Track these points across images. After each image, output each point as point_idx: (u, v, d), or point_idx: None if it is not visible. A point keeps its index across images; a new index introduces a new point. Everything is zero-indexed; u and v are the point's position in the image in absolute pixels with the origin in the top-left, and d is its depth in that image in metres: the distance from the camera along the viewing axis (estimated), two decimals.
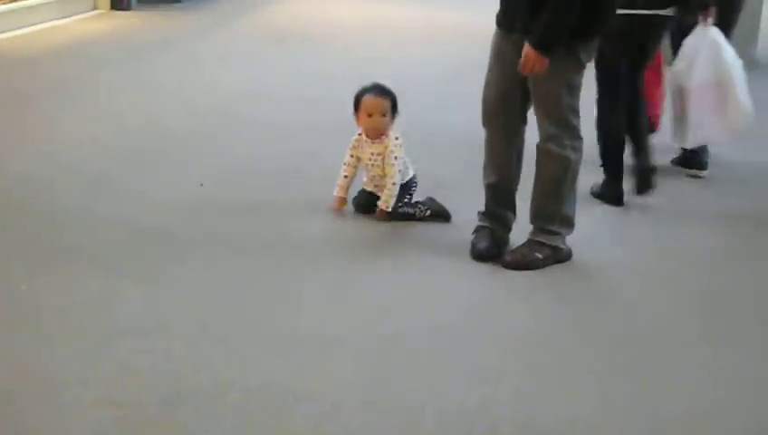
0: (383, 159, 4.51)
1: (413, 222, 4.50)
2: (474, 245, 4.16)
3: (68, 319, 3.42)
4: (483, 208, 4.25)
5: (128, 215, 4.45)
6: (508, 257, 4.07)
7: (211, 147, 5.67)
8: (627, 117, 4.84)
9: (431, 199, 4.62)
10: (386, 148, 4.50)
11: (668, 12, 4.78)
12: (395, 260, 4.13)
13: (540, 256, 4.07)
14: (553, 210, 4.08)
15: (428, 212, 4.54)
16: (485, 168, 4.20)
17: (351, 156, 4.60)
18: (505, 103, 4.05)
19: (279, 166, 5.33)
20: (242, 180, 5.04)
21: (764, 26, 9.35)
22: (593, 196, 4.88)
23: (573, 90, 3.96)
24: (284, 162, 5.41)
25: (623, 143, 4.87)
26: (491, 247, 4.13)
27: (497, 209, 4.21)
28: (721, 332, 3.61)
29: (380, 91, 4.56)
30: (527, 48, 3.81)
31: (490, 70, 4.09)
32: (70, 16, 9.71)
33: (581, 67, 3.96)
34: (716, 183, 5.38)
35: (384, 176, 4.52)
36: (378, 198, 4.54)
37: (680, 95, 5.06)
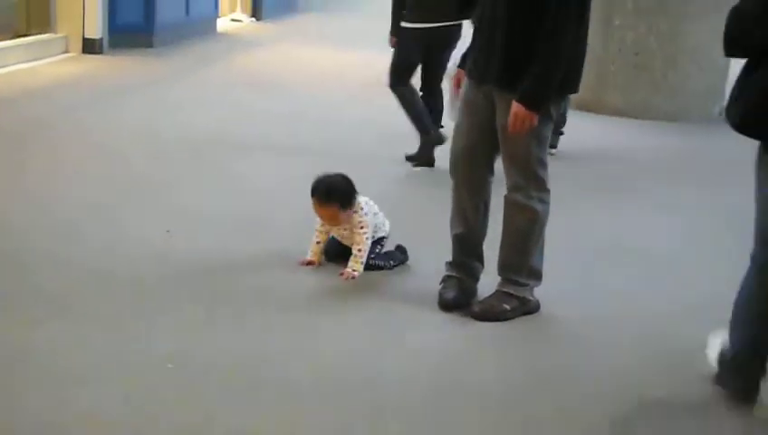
0: (351, 230, 4.49)
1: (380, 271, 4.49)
2: (441, 295, 4.14)
3: (27, 364, 3.35)
4: (450, 259, 4.24)
5: (92, 259, 4.40)
6: (476, 308, 4.06)
7: (178, 192, 5.64)
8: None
9: (402, 251, 4.62)
10: (351, 224, 4.47)
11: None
12: (361, 310, 4.09)
13: (508, 307, 4.06)
14: (521, 262, 4.08)
15: (397, 266, 4.56)
16: (452, 219, 4.20)
17: (321, 225, 4.55)
18: (473, 154, 4.05)
19: (248, 213, 5.31)
20: (209, 227, 5.01)
21: (732, 81, 9.49)
22: None
23: (542, 142, 3.98)
24: (254, 209, 5.39)
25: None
26: (458, 297, 4.12)
27: (464, 260, 4.21)
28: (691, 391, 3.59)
29: (325, 196, 4.43)
30: (516, 106, 3.78)
31: (458, 121, 4.10)
32: (41, 59, 9.70)
33: (551, 121, 3.97)
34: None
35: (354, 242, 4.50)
36: (348, 249, 4.51)
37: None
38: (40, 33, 10.09)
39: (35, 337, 3.56)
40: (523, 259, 4.07)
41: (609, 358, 3.79)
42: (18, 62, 9.31)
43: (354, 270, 4.40)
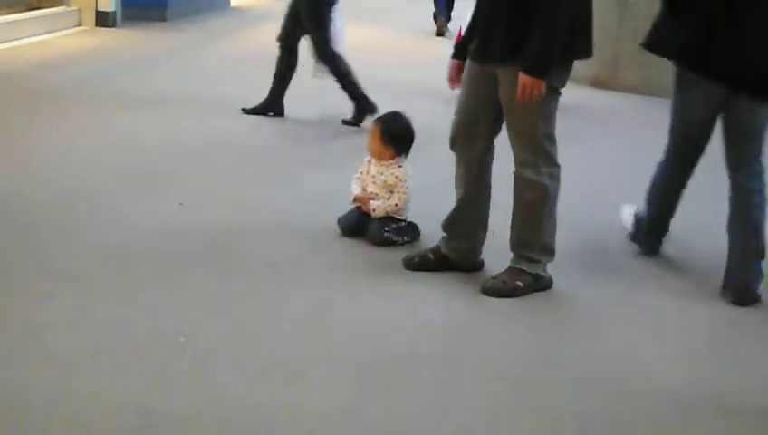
0: (384, 182, 4.55)
1: (392, 247, 4.48)
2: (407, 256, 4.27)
3: (39, 339, 3.36)
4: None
5: (104, 234, 4.40)
6: (488, 284, 4.05)
7: (193, 165, 5.63)
8: None
9: (413, 228, 4.62)
10: (392, 174, 4.56)
11: None
12: (374, 285, 4.09)
13: (520, 283, 4.05)
14: (533, 238, 4.07)
15: (409, 242, 4.56)
16: (455, 186, 4.20)
17: (362, 173, 4.66)
18: (472, 129, 4.03)
19: (261, 188, 5.30)
20: (222, 202, 5.00)
21: None
22: None
23: (549, 117, 3.95)
24: (267, 185, 5.37)
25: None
26: (421, 262, 4.21)
27: (459, 223, 4.19)
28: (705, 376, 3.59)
29: (388, 136, 4.59)
30: (522, 77, 3.76)
31: (461, 96, 4.10)
32: (54, 32, 9.68)
33: (556, 93, 3.94)
34: None
35: (380, 194, 4.56)
36: (368, 219, 4.55)
37: None
38: (53, 6, 10.06)
39: (47, 311, 3.57)
40: (534, 236, 4.06)
41: (619, 337, 3.80)
42: (32, 35, 9.29)
43: (375, 210, 4.52)
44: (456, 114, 4.11)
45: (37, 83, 7.51)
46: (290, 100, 6.96)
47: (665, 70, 4.55)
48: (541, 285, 4.10)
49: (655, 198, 4.53)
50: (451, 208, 4.22)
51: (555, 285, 4.13)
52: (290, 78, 6.94)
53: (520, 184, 4.02)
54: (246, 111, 6.97)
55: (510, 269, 4.09)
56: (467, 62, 4.06)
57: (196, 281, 3.97)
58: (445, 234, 4.25)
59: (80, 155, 5.66)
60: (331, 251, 4.44)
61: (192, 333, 3.48)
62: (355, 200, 4.63)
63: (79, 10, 10.23)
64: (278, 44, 6.93)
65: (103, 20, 10.31)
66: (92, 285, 3.84)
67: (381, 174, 4.58)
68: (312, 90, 7.12)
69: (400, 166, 4.60)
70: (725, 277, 4.21)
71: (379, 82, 7.40)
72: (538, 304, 4.01)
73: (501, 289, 4.02)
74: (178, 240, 4.41)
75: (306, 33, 6.82)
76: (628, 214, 4.77)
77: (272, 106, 6.99)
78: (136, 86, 7.73)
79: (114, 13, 10.44)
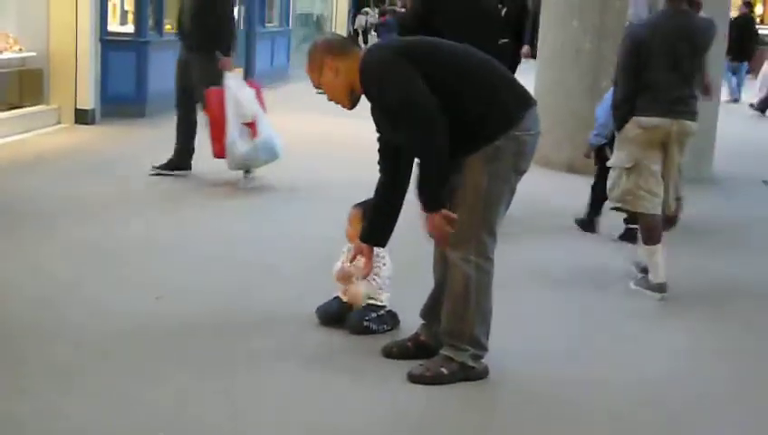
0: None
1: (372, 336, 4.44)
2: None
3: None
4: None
5: (79, 328, 4.36)
6: (414, 371, 3.97)
7: (168, 259, 5.62)
8: None
9: (392, 316, 4.59)
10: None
11: None
12: (352, 374, 4.05)
13: (445, 371, 3.94)
14: (458, 327, 3.96)
15: (389, 330, 4.52)
16: (433, 272, 4.20)
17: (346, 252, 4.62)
18: None
19: (238, 280, 5.28)
20: (198, 294, 4.96)
21: (719, 143, 9.56)
22: None
23: (491, 205, 3.87)
24: (243, 276, 5.36)
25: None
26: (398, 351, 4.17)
27: (433, 308, 4.15)
28: None
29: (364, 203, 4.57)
30: (427, 215, 3.83)
31: None
32: (33, 130, 9.74)
33: (498, 180, 3.84)
34: None
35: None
36: (349, 308, 4.52)
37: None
38: (33, 105, 10.14)
39: (21, 407, 3.52)
40: (459, 324, 3.95)
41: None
42: (11, 134, 9.34)
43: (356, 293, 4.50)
44: None
45: (14, 182, 7.52)
46: None
47: None
48: (470, 374, 3.97)
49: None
50: (428, 295, 4.20)
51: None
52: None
53: (450, 268, 3.94)
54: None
55: (439, 356, 4.01)
56: None
57: (172, 375, 3.92)
58: (423, 320, 4.23)
59: (53, 253, 5.64)
60: (310, 335, 4.41)
61: (167, 429, 3.42)
62: (338, 280, 4.60)
63: (59, 108, 10.32)
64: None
65: (82, 117, 10.39)
66: (68, 382, 3.79)
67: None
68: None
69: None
70: None
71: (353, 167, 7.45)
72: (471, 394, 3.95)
73: (424, 376, 3.93)
74: (156, 334, 4.36)
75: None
76: None
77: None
78: (114, 182, 7.74)
79: (93, 110, 10.53)
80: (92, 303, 4.75)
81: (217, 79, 7.48)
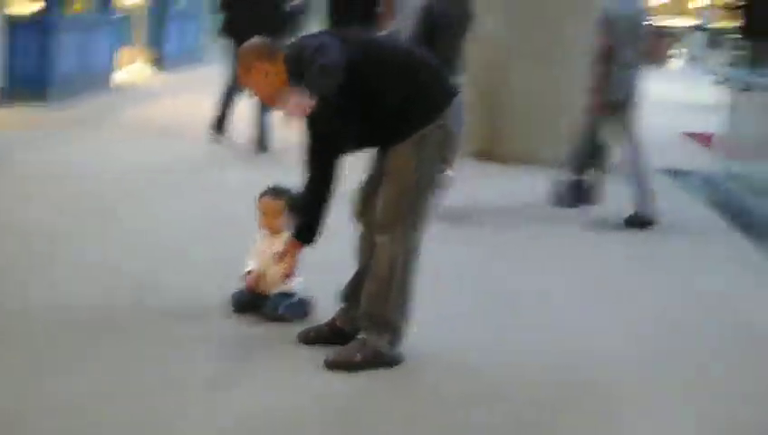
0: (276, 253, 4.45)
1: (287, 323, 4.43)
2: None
3: None
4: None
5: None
6: (330, 357, 3.98)
7: (71, 246, 5.51)
8: None
9: (307, 302, 4.58)
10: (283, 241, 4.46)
11: None
12: (273, 362, 4.05)
13: (359, 356, 3.96)
14: (380, 311, 3.99)
15: (302, 318, 4.50)
16: (356, 256, 4.21)
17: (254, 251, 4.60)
18: (372, 201, 4.03)
19: (145, 264, 5.23)
20: (108, 280, 4.90)
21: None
22: None
23: (416, 192, 3.92)
24: (152, 260, 5.31)
25: None
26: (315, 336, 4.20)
27: (352, 293, 4.17)
28: None
29: (274, 192, 4.60)
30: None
31: (366, 169, 4.15)
32: None
33: (425, 164, 3.91)
34: None
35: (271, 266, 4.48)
36: (264, 299, 4.50)
37: None
38: None
39: None
40: (380, 308, 3.98)
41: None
42: None
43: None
44: (359, 186, 4.14)
45: None
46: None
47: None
48: (383, 360, 3.98)
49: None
50: (349, 278, 4.21)
51: None
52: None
53: (376, 251, 3.97)
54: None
55: (355, 341, 4.04)
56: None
57: (89, 374, 3.84)
58: (342, 304, 4.23)
59: None
60: (226, 326, 4.39)
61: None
62: (249, 279, 4.57)
63: None
64: None
65: None
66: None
67: (273, 245, 4.52)
68: None
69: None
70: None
71: None
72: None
73: (337, 361, 3.96)
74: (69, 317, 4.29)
75: None
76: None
77: None
78: (17, 166, 7.57)
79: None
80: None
81: None
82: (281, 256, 4.23)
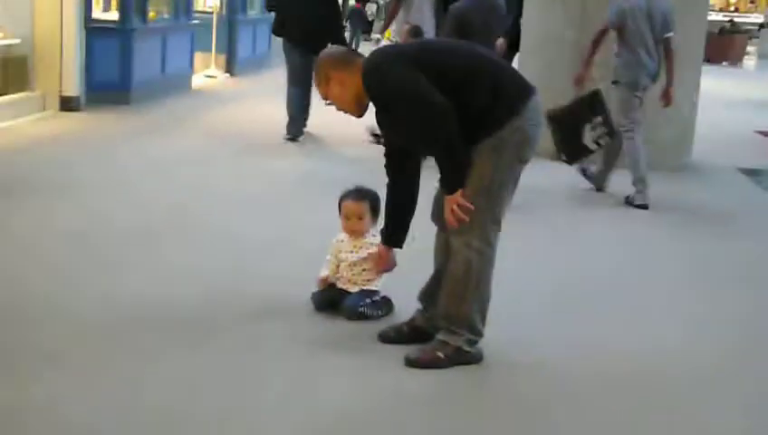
0: (359, 261, 4.62)
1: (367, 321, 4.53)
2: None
3: (26, 418, 3.39)
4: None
5: (90, 310, 4.43)
6: (411, 356, 4.06)
7: (162, 247, 5.67)
8: None
9: (387, 302, 4.68)
10: (369, 243, 4.61)
11: None
12: (351, 360, 4.14)
13: (441, 355, 4.04)
14: (455, 311, 4.04)
15: (384, 316, 4.61)
16: (433, 257, 4.30)
17: (331, 256, 4.69)
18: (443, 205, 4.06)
19: (233, 264, 5.36)
20: (195, 280, 5.04)
21: (699, 130, 9.71)
22: None
23: (493, 193, 3.95)
24: (239, 261, 5.43)
25: None
26: (395, 336, 4.28)
27: (433, 293, 4.24)
28: None
29: (358, 194, 4.66)
30: (446, 198, 3.94)
31: None
32: (18, 117, 9.74)
33: (499, 172, 3.93)
34: None
35: (362, 271, 4.61)
36: (346, 294, 4.60)
37: None
38: (17, 92, 10.14)
39: (26, 393, 3.59)
40: (457, 308, 4.04)
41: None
42: None
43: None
44: (437, 188, 4.19)
45: (3, 169, 7.56)
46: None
47: None
48: (465, 359, 4.06)
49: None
50: (427, 279, 4.30)
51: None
52: None
53: (451, 253, 4.05)
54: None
55: (435, 340, 4.12)
56: None
57: (176, 360, 4.00)
58: (420, 305, 4.34)
59: (51, 239, 5.70)
60: (311, 323, 4.49)
61: (171, 412, 3.51)
62: (324, 283, 4.69)
63: (43, 95, 10.33)
64: None
65: (67, 104, 10.41)
66: (79, 363, 3.87)
67: (359, 248, 4.63)
68: None
69: (374, 235, 4.64)
70: None
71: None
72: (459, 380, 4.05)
73: (421, 360, 4.03)
74: (157, 319, 4.44)
75: None
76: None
77: None
78: (100, 170, 7.79)
79: (78, 97, 10.54)
80: (91, 287, 4.82)
81: None
82: (375, 261, 4.48)
